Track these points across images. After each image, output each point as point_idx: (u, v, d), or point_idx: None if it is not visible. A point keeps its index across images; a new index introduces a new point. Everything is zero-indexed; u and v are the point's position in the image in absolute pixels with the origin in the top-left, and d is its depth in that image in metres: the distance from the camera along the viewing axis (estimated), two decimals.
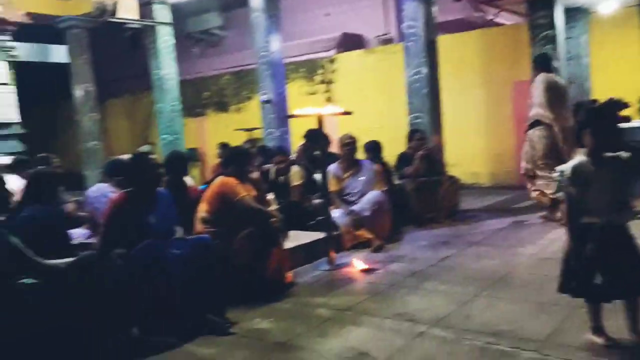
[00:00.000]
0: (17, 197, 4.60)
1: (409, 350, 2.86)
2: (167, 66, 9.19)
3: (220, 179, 4.03)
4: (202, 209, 3.98)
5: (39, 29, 9.19)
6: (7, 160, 6.89)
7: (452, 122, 7.84)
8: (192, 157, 10.40)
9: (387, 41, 10.50)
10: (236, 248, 3.80)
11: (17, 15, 8.62)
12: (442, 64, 7.14)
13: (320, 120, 4.72)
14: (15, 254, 2.80)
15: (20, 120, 8.93)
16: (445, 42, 7.77)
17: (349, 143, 5.48)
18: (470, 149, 8.75)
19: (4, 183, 3.01)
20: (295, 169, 5.70)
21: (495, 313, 3.26)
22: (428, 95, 6.81)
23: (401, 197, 5.97)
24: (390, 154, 6.39)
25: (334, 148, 6.08)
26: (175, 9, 9.54)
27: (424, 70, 6.78)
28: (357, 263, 4.51)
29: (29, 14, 8.75)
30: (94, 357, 2.85)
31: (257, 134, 9.53)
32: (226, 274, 3.51)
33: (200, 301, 3.28)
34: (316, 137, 5.24)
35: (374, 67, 9.55)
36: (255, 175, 4.53)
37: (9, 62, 8.77)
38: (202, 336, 3.19)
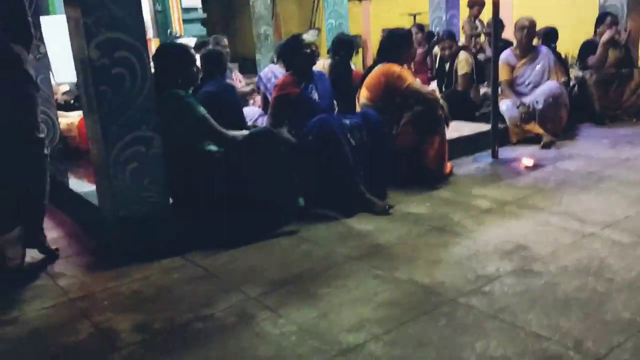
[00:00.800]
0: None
1: (574, 248, 2.72)
2: None
3: (383, 66, 3.91)
4: (364, 96, 3.97)
5: None
6: (192, 41, 7.51)
7: None
8: (356, 42, 10.32)
9: None
10: (399, 132, 3.81)
11: None
12: None
13: (495, 3, 4.32)
14: (202, 123, 3.11)
15: (200, 5, 9.56)
16: None
17: (526, 27, 4.96)
18: None
19: (195, 60, 3.30)
20: (463, 56, 5.39)
21: None
22: None
23: (581, 91, 5.42)
24: (573, 42, 5.74)
25: (507, 33, 5.61)
26: None
27: None
28: (523, 158, 4.29)
29: None
30: (264, 223, 3.13)
31: (423, 18, 9.10)
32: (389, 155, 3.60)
33: (365, 177, 3.45)
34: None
35: None
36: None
37: None
38: (361, 214, 3.35)
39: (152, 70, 3.02)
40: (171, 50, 3.30)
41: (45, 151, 2.93)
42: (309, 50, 3.67)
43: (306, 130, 3.43)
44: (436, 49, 6.05)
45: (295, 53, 3.66)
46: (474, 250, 2.75)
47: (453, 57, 5.42)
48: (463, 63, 5.36)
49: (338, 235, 3.07)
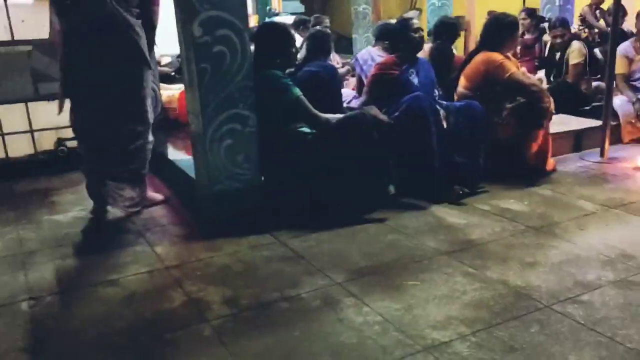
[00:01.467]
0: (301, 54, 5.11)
1: None
2: None
3: (484, 55, 3.72)
4: (462, 85, 3.82)
5: None
6: (290, 19, 7.58)
7: None
8: (459, 25, 9.97)
9: None
10: (500, 123, 3.63)
11: None
12: None
13: None
14: (297, 104, 3.13)
15: None
16: None
17: None
18: None
19: (293, 40, 3.31)
20: (576, 45, 5.04)
21: None
22: None
23: None
24: None
25: (629, 23, 5.17)
26: None
27: None
28: (635, 159, 3.97)
29: None
30: (353, 209, 3.13)
31: (533, 1, 8.59)
32: (487, 146, 3.48)
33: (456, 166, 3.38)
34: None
35: None
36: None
37: None
38: (453, 206, 3.26)
39: (252, 49, 3.07)
40: (272, 30, 3.34)
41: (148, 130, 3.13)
42: (417, 35, 3.59)
43: (398, 106, 3.36)
44: (547, 36, 5.70)
45: (403, 36, 3.60)
46: (573, 255, 2.59)
47: (565, 46, 5.08)
48: (576, 52, 5.02)
49: (428, 226, 3.00)
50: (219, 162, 2.98)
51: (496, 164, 3.60)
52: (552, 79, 5.23)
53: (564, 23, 5.29)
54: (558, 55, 5.18)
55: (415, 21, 3.61)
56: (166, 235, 3.04)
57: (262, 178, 3.16)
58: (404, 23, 3.65)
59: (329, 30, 5.50)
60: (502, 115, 3.61)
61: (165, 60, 6.25)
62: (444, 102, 3.57)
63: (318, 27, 4.85)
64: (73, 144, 4.03)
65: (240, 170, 3.03)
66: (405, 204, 3.28)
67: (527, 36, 5.94)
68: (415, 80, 3.58)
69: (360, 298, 2.25)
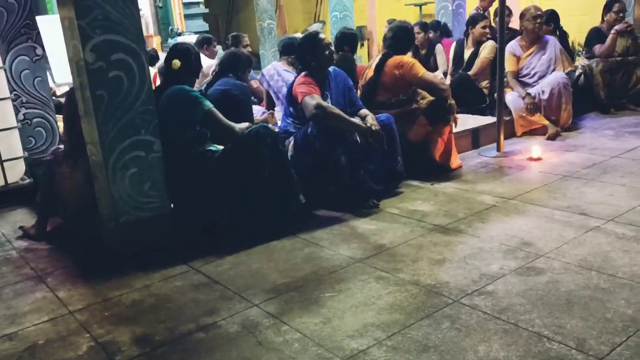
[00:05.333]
0: (207, 72, 5.07)
1: (579, 244, 2.70)
2: None
3: (396, 59, 3.87)
4: (383, 95, 3.91)
5: None
6: (194, 38, 7.49)
7: None
8: (360, 35, 10.26)
9: None
10: (413, 124, 3.81)
11: None
12: None
13: None
14: (208, 116, 3.11)
15: (202, 0, 9.52)
16: None
17: (538, 16, 4.86)
18: None
19: (198, 56, 3.32)
20: (490, 42, 5.16)
21: None
22: None
23: (586, 80, 5.35)
24: (579, 30, 5.66)
25: (514, 23, 5.52)
26: None
27: None
28: (528, 151, 4.25)
29: None
30: (264, 221, 3.12)
31: (428, 9, 9.02)
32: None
33: (368, 172, 3.45)
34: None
35: None
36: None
37: None
38: (363, 210, 3.34)
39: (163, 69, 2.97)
40: (175, 51, 3.29)
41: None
42: (327, 52, 3.46)
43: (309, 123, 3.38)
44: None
45: (314, 53, 3.45)
46: (478, 249, 2.73)
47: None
48: (488, 49, 5.08)
49: (341, 235, 3.05)
50: (124, 192, 2.89)
51: (405, 164, 3.74)
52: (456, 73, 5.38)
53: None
54: (471, 51, 5.31)
55: (323, 36, 3.54)
56: (70, 277, 2.82)
57: (172, 205, 3.09)
58: (314, 39, 3.49)
59: (243, 49, 5.52)
60: (416, 115, 3.80)
61: (63, 90, 5.98)
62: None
63: (235, 49, 4.84)
64: None
65: (147, 199, 2.95)
66: (318, 216, 3.33)
67: (422, 51, 6.18)
68: (329, 101, 3.50)
69: (278, 317, 2.25)
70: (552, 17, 5.46)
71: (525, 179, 3.77)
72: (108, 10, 2.71)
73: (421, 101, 3.92)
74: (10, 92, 3.95)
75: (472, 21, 5.33)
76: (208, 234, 3.09)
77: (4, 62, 3.91)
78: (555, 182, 3.61)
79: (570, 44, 6.44)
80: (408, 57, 3.92)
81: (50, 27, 5.56)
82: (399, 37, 3.97)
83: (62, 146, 3.59)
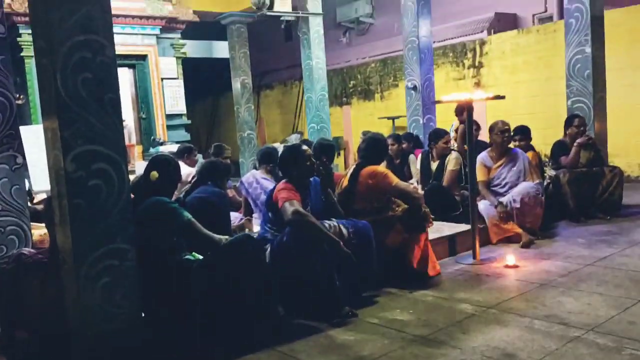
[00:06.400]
0: (187, 179, 5.15)
1: (560, 355, 2.65)
2: (316, 56, 9.36)
3: (369, 170, 3.99)
4: (359, 205, 3.98)
5: (202, 25, 10.03)
6: (175, 147, 7.66)
7: (617, 107, 7.10)
8: (337, 145, 10.63)
9: (545, 19, 9.75)
10: (390, 231, 3.86)
11: (187, 13, 9.50)
12: (609, 42, 6.47)
13: (469, 107, 4.49)
14: (187, 227, 3.09)
15: (185, 112, 9.86)
16: (612, 17, 7.02)
17: (506, 130, 5.14)
18: (638, 137, 7.83)
19: (177, 167, 3.37)
20: (454, 154, 5.46)
21: None
22: (590, 77, 6.25)
23: (555, 189, 5.55)
24: (543, 142, 5.96)
25: (483, 136, 5.80)
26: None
27: (587, 49, 6.24)
28: (504, 259, 4.28)
29: (195, 13, 9.58)
30: (240, 335, 3.02)
31: (401, 122, 9.46)
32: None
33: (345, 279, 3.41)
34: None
35: (529, 48, 8.91)
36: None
37: (178, 58, 9.70)
38: (340, 319, 3.26)
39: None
40: (154, 163, 3.35)
41: None
42: (309, 163, 3.57)
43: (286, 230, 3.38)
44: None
45: (297, 165, 3.55)
46: None
47: (444, 156, 5.48)
48: (453, 161, 5.38)
49: (319, 347, 2.95)
50: (94, 303, 2.79)
51: (384, 271, 3.72)
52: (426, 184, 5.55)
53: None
54: (437, 163, 5.53)
55: (305, 147, 3.65)
56: None
57: (143, 314, 2.99)
58: (297, 151, 3.61)
59: (226, 160, 5.68)
60: (392, 222, 3.86)
61: (40, 197, 5.96)
62: (329, 223, 3.58)
63: (215, 159, 4.99)
64: None
65: (118, 310, 2.84)
66: (296, 326, 3.24)
67: (397, 161, 6.42)
68: (309, 210, 3.52)
69: None
70: (522, 132, 5.77)
71: (503, 287, 3.77)
72: (92, 122, 2.76)
73: (397, 209, 4.00)
74: None
75: (435, 137, 5.62)
76: (184, 345, 2.97)
77: None
78: (533, 291, 3.61)
79: (543, 156, 6.76)
80: (381, 167, 4.05)
81: (32, 137, 5.67)
82: (372, 148, 4.15)
83: (26, 250, 3.48)
